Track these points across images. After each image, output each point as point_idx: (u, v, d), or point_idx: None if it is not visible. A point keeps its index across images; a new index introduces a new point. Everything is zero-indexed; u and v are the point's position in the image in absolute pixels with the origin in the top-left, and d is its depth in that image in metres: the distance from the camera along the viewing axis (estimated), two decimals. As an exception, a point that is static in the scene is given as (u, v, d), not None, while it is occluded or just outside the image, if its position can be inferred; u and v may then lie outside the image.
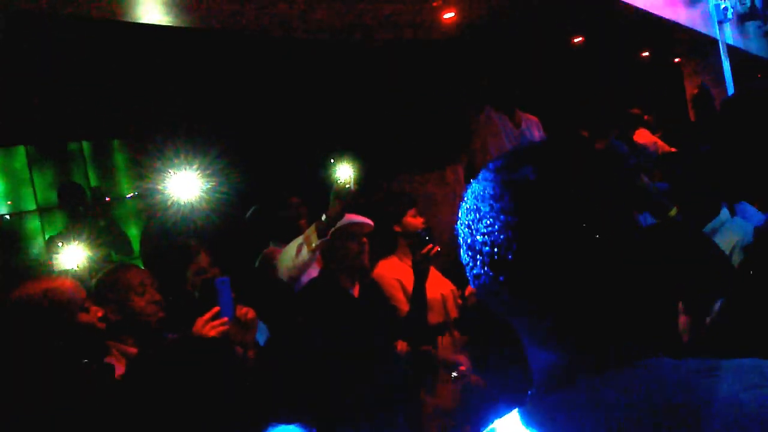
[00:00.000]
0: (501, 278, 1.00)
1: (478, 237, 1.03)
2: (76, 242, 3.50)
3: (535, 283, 0.98)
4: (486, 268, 1.02)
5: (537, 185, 1.00)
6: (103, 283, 2.92)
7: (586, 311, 0.99)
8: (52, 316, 2.47)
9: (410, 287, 3.73)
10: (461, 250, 1.08)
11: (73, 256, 3.39)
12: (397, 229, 3.91)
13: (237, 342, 2.90)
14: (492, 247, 1.00)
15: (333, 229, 3.47)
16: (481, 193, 1.05)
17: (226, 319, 2.80)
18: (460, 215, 1.09)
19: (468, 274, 1.07)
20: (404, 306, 3.75)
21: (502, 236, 0.99)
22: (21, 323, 2.46)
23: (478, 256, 1.03)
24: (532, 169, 1.01)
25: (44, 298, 2.48)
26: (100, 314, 2.65)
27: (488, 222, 1.01)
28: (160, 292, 2.97)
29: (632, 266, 1.02)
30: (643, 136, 7.36)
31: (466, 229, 1.06)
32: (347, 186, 3.45)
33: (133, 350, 2.81)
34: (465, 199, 1.09)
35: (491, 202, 1.02)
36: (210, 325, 2.77)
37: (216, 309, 2.80)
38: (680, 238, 2.20)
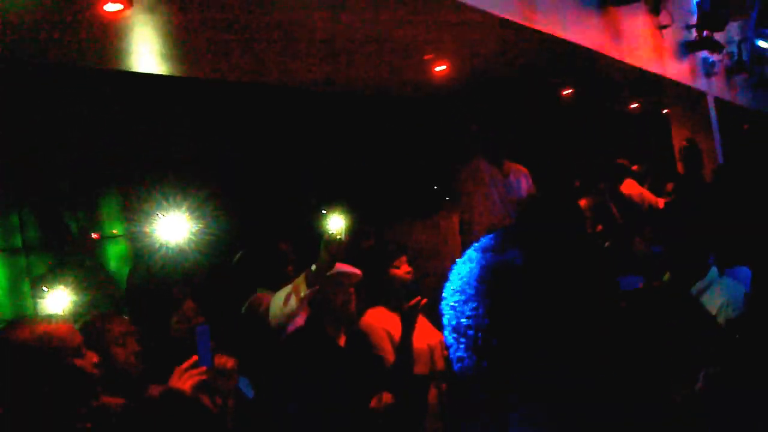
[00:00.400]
0: (484, 363, 1.00)
1: (462, 319, 1.03)
2: (61, 285, 3.47)
3: (520, 370, 0.98)
4: (469, 352, 1.01)
5: (524, 271, 1.00)
6: (83, 332, 2.90)
7: (573, 398, 0.99)
8: (46, 359, 2.44)
9: (398, 337, 3.71)
10: (446, 331, 1.07)
11: (57, 300, 3.36)
12: (387, 278, 3.91)
13: (216, 391, 2.88)
14: (476, 331, 1.00)
15: (322, 279, 3.47)
16: (467, 274, 1.05)
17: (204, 368, 2.77)
18: (445, 295, 1.09)
19: (451, 356, 1.06)
20: (391, 356, 3.73)
21: (486, 320, 0.99)
22: (13, 365, 2.43)
23: (461, 339, 1.03)
24: (518, 254, 1.02)
25: (39, 341, 2.45)
26: (94, 360, 2.63)
27: (473, 305, 1.01)
28: (142, 342, 2.94)
29: (619, 349, 1.02)
30: (629, 187, 7.40)
31: (451, 311, 1.05)
32: (338, 237, 3.46)
33: (112, 401, 2.78)
34: (450, 278, 1.09)
35: (477, 284, 1.02)
36: (187, 375, 2.74)
37: (194, 358, 2.77)
38: (666, 303, 2.21)
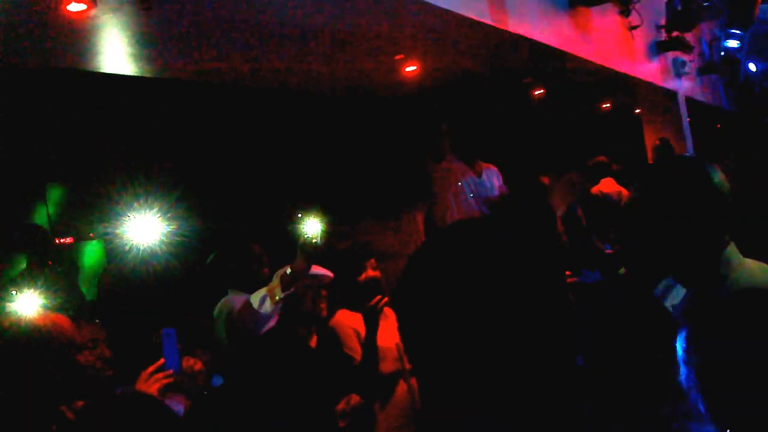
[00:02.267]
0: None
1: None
2: (32, 290, 3.45)
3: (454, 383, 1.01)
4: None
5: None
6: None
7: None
8: (55, 350, 2.45)
9: (360, 337, 3.76)
10: None
11: (27, 304, 3.34)
12: (358, 280, 3.94)
13: (184, 393, 2.88)
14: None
15: (297, 282, 3.48)
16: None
17: (170, 371, 2.77)
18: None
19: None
20: (359, 355, 3.76)
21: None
22: (15, 358, 2.43)
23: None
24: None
25: (49, 331, 2.46)
26: (91, 359, 2.64)
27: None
28: (111, 347, 2.94)
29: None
30: (608, 186, 7.47)
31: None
32: (314, 240, 3.47)
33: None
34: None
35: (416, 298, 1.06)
36: (154, 378, 2.74)
37: (161, 361, 2.78)
38: (625, 294, 2.24)
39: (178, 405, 2.81)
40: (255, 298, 3.65)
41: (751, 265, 2.07)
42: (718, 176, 2.09)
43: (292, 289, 3.47)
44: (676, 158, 2.30)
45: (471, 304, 1.02)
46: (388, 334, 3.83)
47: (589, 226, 4.46)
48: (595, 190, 7.37)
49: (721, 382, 1.80)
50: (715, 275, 2.05)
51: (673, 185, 2.10)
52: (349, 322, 3.88)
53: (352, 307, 3.92)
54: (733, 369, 1.80)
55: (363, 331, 3.78)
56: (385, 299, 3.66)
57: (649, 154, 8.04)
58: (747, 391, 1.75)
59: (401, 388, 3.89)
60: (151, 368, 2.73)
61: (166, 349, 2.78)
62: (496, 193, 5.54)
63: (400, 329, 1.08)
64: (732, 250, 2.08)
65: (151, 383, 2.70)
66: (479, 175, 5.53)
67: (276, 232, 4.18)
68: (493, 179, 5.61)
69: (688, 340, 1.95)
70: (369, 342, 3.68)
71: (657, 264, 2.23)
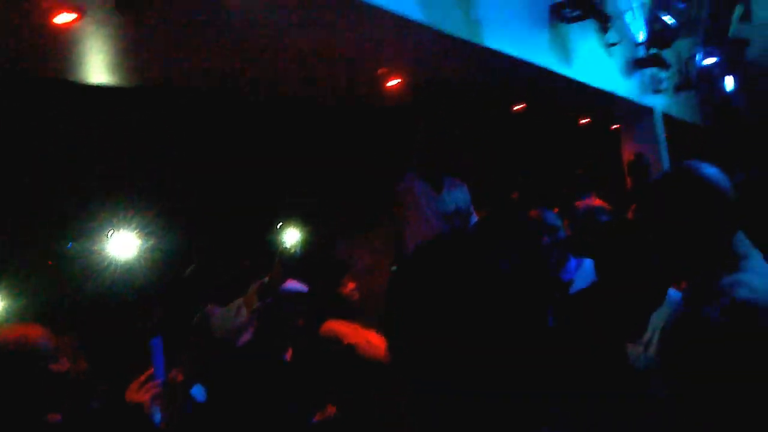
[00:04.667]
0: None
1: None
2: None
3: None
4: None
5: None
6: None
7: None
8: (25, 363, 2.43)
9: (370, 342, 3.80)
10: None
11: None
12: (335, 295, 3.96)
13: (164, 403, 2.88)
14: None
15: (274, 292, 3.49)
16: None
17: (159, 381, 2.78)
18: None
19: None
20: (363, 341, 3.78)
21: None
22: None
23: None
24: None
25: (17, 344, 2.44)
26: (68, 365, 2.62)
27: None
28: (88, 358, 2.94)
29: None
30: (593, 200, 7.49)
31: None
32: (292, 251, 3.48)
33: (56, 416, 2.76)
34: None
35: None
36: (145, 388, 2.75)
37: (150, 371, 2.78)
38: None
39: (157, 414, 2.81)
40: (231, 308, 3.66)
41: (757, 264, 2.11)
42: (717, 179, 2.15)
43: (270, 299, 3.47)
44: (679, 166, 2.35)
45: (452, 330, 1.06)
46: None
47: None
48: (580, 204, 7.40)
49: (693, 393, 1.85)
50: (719, 269, 2.10)
51: (676, 191, 2.16)
52: (341, 325, 3.90)
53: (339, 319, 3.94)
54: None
55: (363, 333, 3.83)
56: None
57: (625, 170, 8.12)
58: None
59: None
60: (142, 377, 2.75)
61: (155, 359, 2.79)
62: (461, 207, 5.54)
63: (390, 352, 1.13)
64: (739, 240, 2.13)
65: (142, 393, 2.71)
66: (440, 192, 5.50)
67: (255, 243, 4.19)
68: (457, 194, 5.57)
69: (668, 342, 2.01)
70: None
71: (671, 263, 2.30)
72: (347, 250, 4.99)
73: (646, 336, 2.53)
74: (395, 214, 5.45)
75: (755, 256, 2.14)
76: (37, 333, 2.54)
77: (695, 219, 2.14)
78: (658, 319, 2.80)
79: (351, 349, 3.73)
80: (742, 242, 2.15)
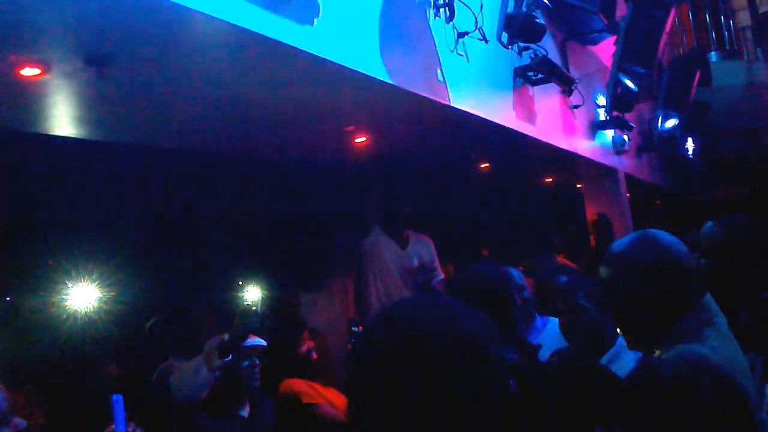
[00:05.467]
0: None
1: None
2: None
3: None
4: None
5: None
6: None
7: None
8: None
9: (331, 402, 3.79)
10: None
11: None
12: (295, 354, 3.95)
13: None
14: None
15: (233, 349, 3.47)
16: None
17: None
18: None
19: None
20: (323, 401, 3.77)
21: None
22: None
23: None
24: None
25: None
26: (20, 429, 2.57)
27: None
28: (46, 414, 2.90)
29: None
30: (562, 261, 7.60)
31: None
32: (254, 309, 3.48)
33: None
34: None
35: None
36: None
37: (111, 427, 2.75)
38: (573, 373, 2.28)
39: None
40: (190, 366, 3.64)
41: (711, 335, 2.13)
42: (677, 250, 2.18)
43: (229, 357, 3.46)
44: (641, 236, 2.39)
45: (414, 399, 1.08)
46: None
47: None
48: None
49: None
50: (667, 342, 2.12)
51: (633, 263, 2.20)
52: (300, 384, 3.88)
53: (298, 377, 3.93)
54: None
55: (322, 392, 3.81)
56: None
57: (590, 229, 8.24)
58: None
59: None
60: None
61: (116, 416, 2.75)
62: (425, 262, 5.62)
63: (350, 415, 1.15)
64: (694, 317, 2.15)
65: None
66: (404, 248, 5.59)
67: (216, 299, 4.18)
68: (420, 250, 5.67)
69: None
70: None
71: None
72: (305, 308, 4.99)
73: None
74: (357, 269, 5.51)
75: (718, 324, 2.17)
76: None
77: (655, 291, 2.17)
78: None
79: (309, 408, 3.72)
80: (707, 309, 2.17)
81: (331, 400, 3.83)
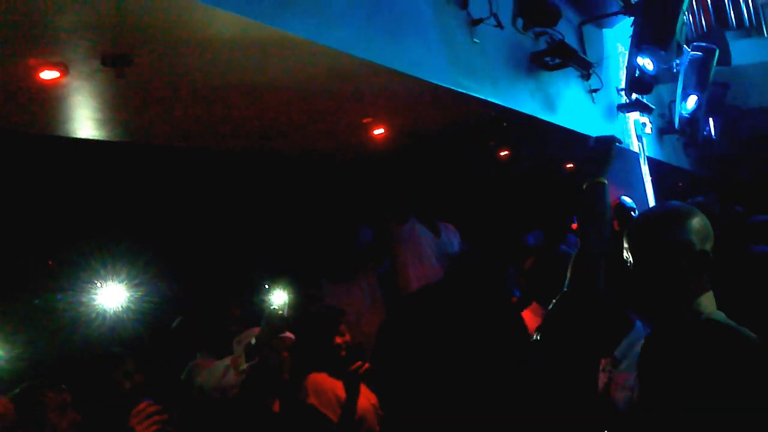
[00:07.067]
0: None
1: None
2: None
3: None
4: None
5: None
6: (19, 401, 2.86)
7: None
8: None
9: (340, 400, 3.77)
10: None
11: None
12: (331, 344, 3.96)
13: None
14: None
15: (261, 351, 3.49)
16: None
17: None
18: None
19: None
20: (335, 416, 3.76)
21: None
22: None
23: None
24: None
25: None
26: (63, 424, 2.60)
27: None
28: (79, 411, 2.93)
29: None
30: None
31: None
32: (280, 312, 3.49)
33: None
34: None
35: None
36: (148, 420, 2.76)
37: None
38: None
39: None
40: (219, 368, 3.65)
41: (716, 318, 2.13)
42: (698, 227, 2.17)
43: (256, 360, 3.47)
44: (657, 211, 2.38)
45: (438, 366, 1.09)
46: (365, 396, 3.86)
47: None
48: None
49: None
50: (680, 320, 2.12)
51: (650, 239, 2.18)
52: (324, 383, 3.89)
53: (325, 371, 3.93)
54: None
55: (340, 393, 3.81)
56: (366, 365, 3.72)
57: (612, 213, 8.19)
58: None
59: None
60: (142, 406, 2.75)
61: None
62: (453, 251, 5.68)
63: (378, 391, 1.17)
64: (705, 300, 2.14)
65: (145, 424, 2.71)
66: (438, 235, 5.70)
67: (244, 300, 4.19)
68: (451, 238, 5.78)
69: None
70: (349, 406, 3.72)
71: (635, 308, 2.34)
72: (336, 300, 5.01)
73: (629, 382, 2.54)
74: (394, 258, 5.57)
75: (715, 315, 2.16)
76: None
77: (677, 265, 2.16)
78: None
79: (309, 409, 3.73)
80: (707, 304, 2.17)
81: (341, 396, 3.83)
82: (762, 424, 1.83)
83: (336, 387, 3.87)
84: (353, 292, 5.35)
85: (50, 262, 4.70)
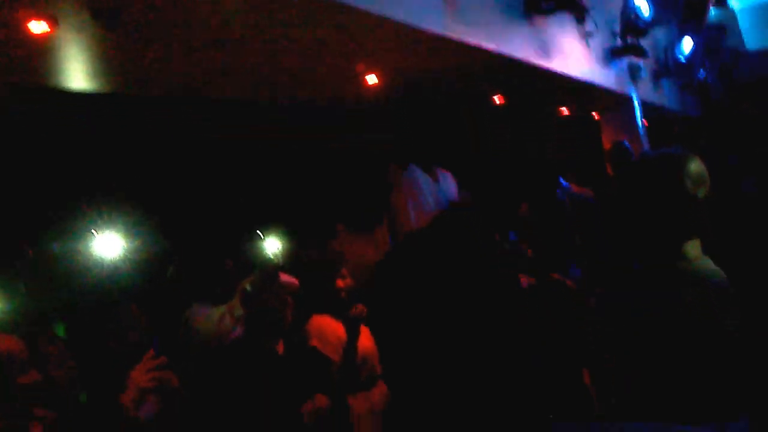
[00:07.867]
0: None
1: None
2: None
3: None
4: None
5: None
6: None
7: None
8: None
9: (342, 342, 3.86)
10: None
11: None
12: (331, 289, 4.02)
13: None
14: None
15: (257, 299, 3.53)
16: None
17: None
18: None
19: None
20: (337, 358, 3.85)
21: None
22: None
23: None
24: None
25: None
26: (36, 377, 2.64)
27: None
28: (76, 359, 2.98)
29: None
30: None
31: None
32: (273, 260, 3.53)
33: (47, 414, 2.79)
34: None
35: None
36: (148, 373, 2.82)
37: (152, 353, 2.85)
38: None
39: (148, 412, 2.86)
40: (215, 314, 3.71)
41: (703, 262, 2.18)
42: (692, 173, 2.19)
43: (253, 306, 3.53)
44: (654, 155, 2.41)
45: (433, 309, 1.13)
46: (366, 338, 3.95)
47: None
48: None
49: None
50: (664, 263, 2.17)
51: (644, 183, 2.22)
52: (327, 325, 3.96)
53: (328, 313, 4.01)
54: None
55: (342, 335, 3.89)
56: (364, 309, 3.81)
57: (606, 157, 8.20)
58: None
59: (379, 389, 3.98)
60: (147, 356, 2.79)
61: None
62: (451, 197, 5.74)
63: (375, 334, 1.20)
64: (692, 246, 2.19)
65: (146, 376, 2.77)
66: (437, 181, 5.75)
67: (239, 249, 4.23)
68: (449, 184, 5.83)
69: None
70: (350, 349, 3.80)
71: (625, 251, 2.37)
72: (346, 244, 5.02)
73: None
74: (393, 202, 5.59)
75: (700, 259, 2.21)
76: (5, 345, 2.55)
77: (669, 208, 2.19)
78: None
79: (312, 351, 3.81)
80: (693, 249, 2.21)
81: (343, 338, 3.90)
82: None
83: (338, 329, 3.94)
84: (371, 241, 5.35)
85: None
